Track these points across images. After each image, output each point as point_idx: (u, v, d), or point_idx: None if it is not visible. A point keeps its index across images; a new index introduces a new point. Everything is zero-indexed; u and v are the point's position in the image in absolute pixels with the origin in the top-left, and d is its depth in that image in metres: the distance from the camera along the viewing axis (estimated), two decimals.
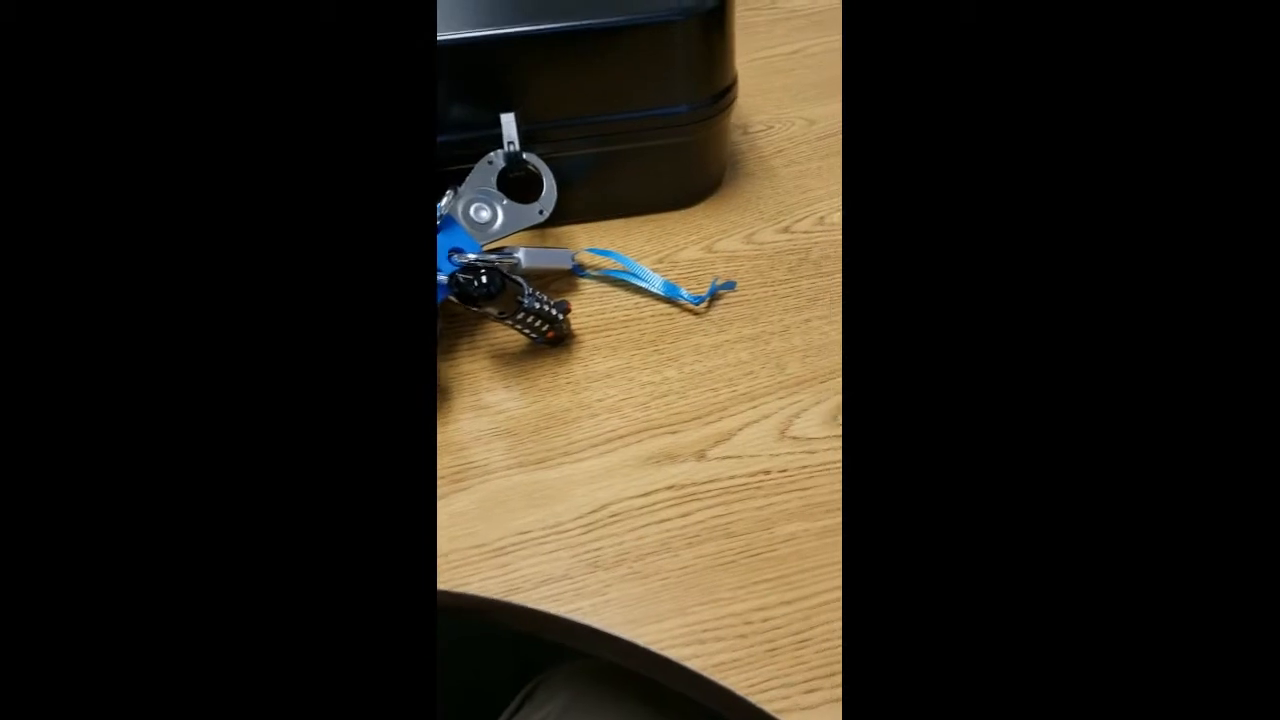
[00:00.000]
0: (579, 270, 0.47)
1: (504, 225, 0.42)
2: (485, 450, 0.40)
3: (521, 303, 0.39)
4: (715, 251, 0.49)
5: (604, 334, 0.45)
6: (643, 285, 0.45)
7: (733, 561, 0.35)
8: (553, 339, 0.43)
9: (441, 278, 0.39)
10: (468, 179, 0.42)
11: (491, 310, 0.39)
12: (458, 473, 0.39)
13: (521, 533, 0.36)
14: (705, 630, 0.33)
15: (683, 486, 0.38)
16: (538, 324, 0.41)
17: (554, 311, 0.41)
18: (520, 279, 0.40)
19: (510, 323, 0.40)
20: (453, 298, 0.38)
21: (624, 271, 0.46)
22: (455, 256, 0.40)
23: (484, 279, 0.36)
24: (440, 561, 0.36)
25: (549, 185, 0.44)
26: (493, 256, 0.41)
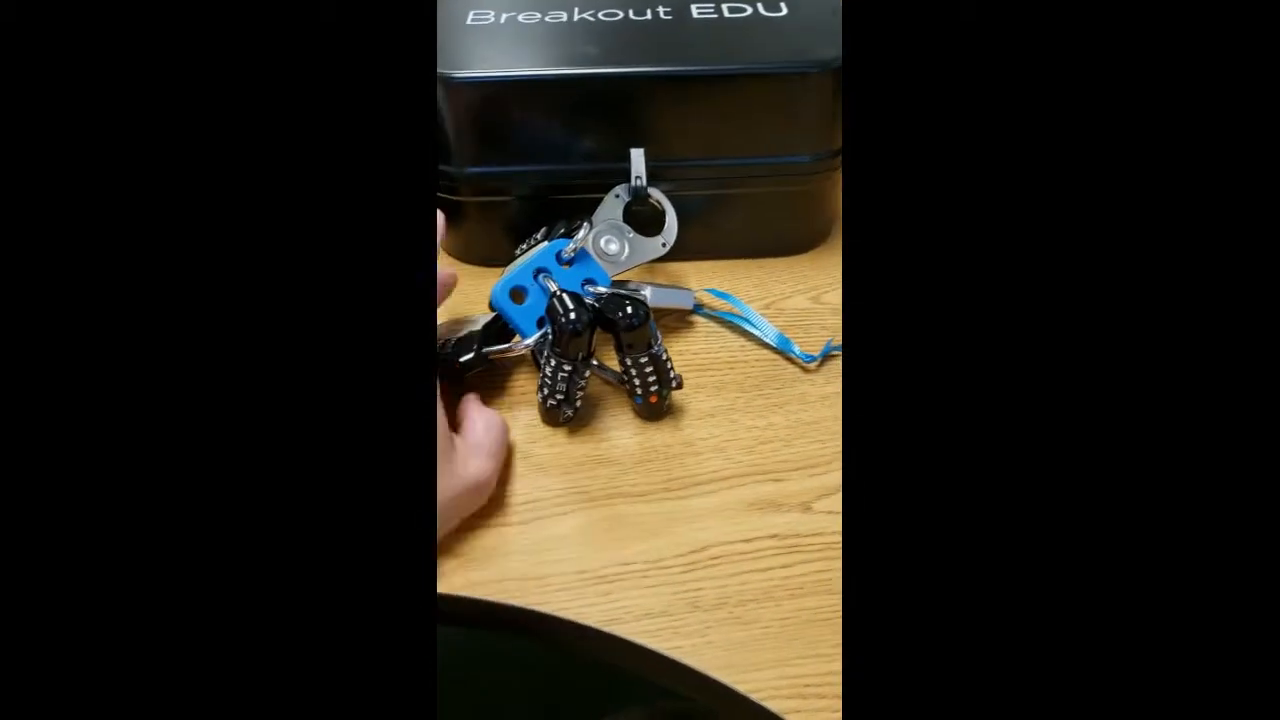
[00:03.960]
0: (697, 309, 0.47)
1: (630, 257, 0.43)
2: (587, 477, 0.40)
3: (651, 347, 0.39)
4: (823, 303, 0.49)
5: (708, 373, 0.45)
6: (755, 333, 0.46)
7: (836, 618, 0.35)
8: (654, 404, 0.41)
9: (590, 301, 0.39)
10: (597, 211, 0.43)
11: (632, 343, 0.38)
12: (559, 496, 0.39)
13: (624, 564, 0.36)
14: (807, 685, 0.33)
15: (786, 537, 0.37)
16: (650, 379, 0.40)
17: (670, 373, 0.40)
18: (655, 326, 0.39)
19: (625, 366, 0.40)
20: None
21: (738, 316, 0.46)
22: (588, 286, 0.41)
23: (629, 309, 0.37)
24: (540, 584, 0.36)
25: (671, 220, 0.44)
26: (621, 292, 0.41)
